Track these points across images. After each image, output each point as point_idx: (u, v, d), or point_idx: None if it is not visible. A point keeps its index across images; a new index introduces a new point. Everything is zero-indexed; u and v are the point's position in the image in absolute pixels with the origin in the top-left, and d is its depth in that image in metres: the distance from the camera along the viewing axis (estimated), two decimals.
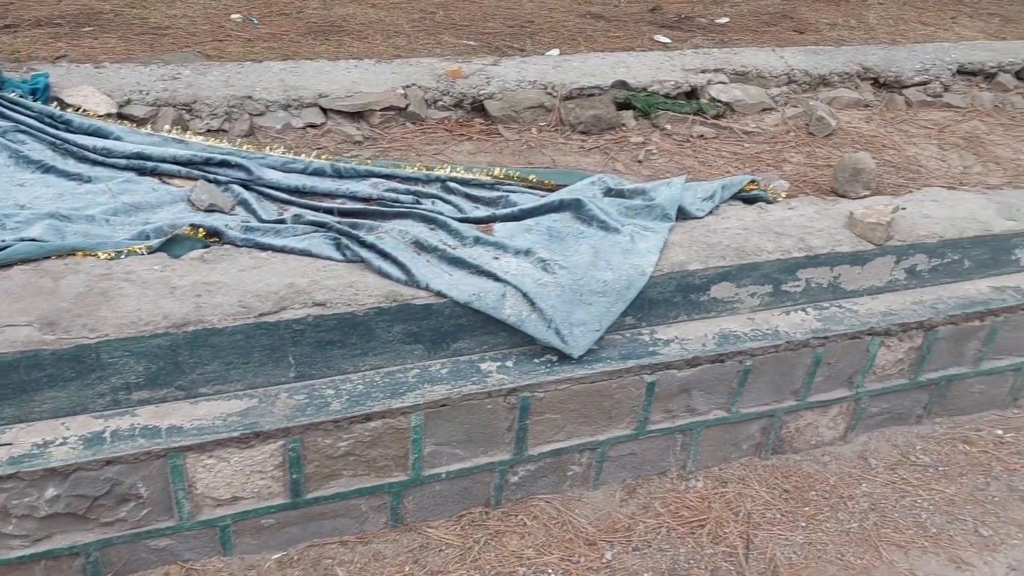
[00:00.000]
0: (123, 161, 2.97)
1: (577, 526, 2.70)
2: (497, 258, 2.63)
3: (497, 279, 2.52)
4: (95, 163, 2.96)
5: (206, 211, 2.80)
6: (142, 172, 2.97)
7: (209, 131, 3.34)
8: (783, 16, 6.27)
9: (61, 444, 2.15)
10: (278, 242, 2.59)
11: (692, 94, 3.99)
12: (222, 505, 2.36)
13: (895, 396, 3.12)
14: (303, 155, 3.19)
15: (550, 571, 2.53)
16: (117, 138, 3.10)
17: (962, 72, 4.46)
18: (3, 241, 2.38)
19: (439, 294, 2.45)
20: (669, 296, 2.73)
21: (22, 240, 2.40)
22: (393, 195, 2.99)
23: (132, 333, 2.18)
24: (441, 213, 2.86)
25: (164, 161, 2.98)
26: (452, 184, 3.12)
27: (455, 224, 2.76)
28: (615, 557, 2.62)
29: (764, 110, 3.98)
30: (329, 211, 2.84)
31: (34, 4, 4.84)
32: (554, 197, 2.96)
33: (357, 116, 3.53)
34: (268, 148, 3.22)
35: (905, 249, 2.94)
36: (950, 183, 3.49)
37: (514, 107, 3.71)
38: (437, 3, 5.69)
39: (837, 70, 4.18)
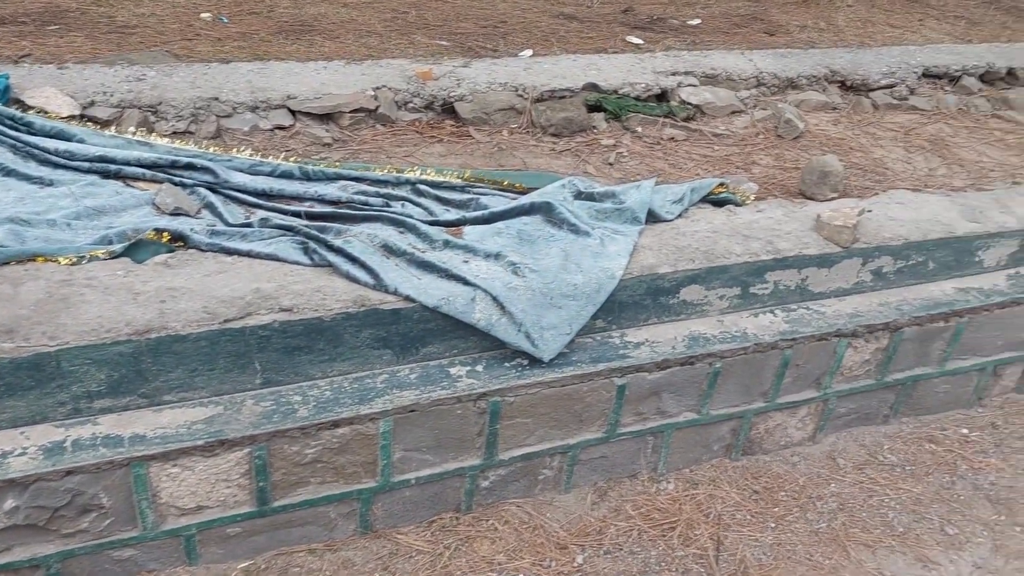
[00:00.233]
0: (86, 164, 2.91)
1: (548, 530, 2.70)
2: (467, 261, 2.61)
3: (467, 283, 2.51)
4: (57, 166, 2.91)
5: (171, 215, 2.75)
6: (106, 175, 2.91)
7: (175, 133, 3.29)
8: (754, 18, 6.31)
9: (20, 454, 2.10)
10: (244, 246, 2.55)
11: (663, 96, 4.00)
12: (187, 514, 2.32)
13: (862, 396, 3.15)
14: (271, 157, 3.15)
15: None
16: (80, 141, 3.04)
17: (927, 75, 4.51)
18: None
19: (408, 298, 2.43)
20: (639, 299, 2.74)
21: None
22: (362, 198, 2.97)
23: (93, 340, 2.14)
24: (411, 216, 2.84)
25: (128, 164, 2.92)
26: (422, 187, 3.11)
27: (424, 227, 2.74)
28: (586, 561, 2.62)
29: (734, 112, 4.00)
30: (297, 214, 2.81)
31: None
32: (524, 200, 2.95)
33: (326, 118, 3.49)
34: (235, 150, 3.18)
35: (871, 251, 2.97)
36: (915, 185, 3.52)
37: (485, 109, 3.69)
38: (409, 3, 5.66)
39: (805, 73, 4.22)
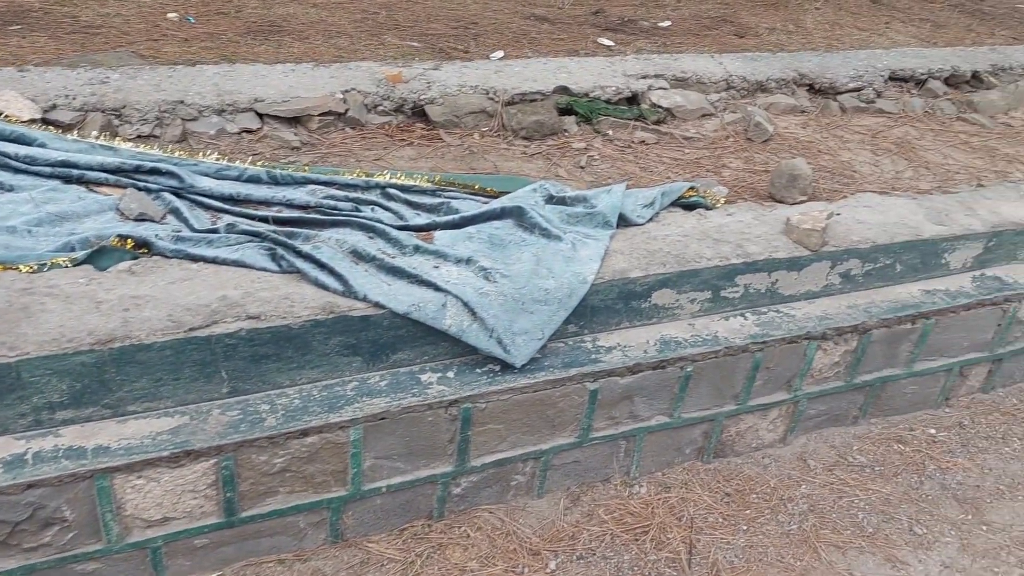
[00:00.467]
0: (48, 169, 2.85)
1: (521, 536, 2.68)
2: (437, 267, 2.59)
3: (437, 288, 2.49)
4: (17, 171, 2.84)
5: (136, 220, 2.70)
6: (68, 180, 2.85)
7: (139, 137, 3.24)
8: (723, 20, 6.36)
9: None
10: (210, 253, 2.51)
11: (633, 100, 4.01)
12: (153, 526, 2.28)
13: (832, 398, 3.18)
14: (238, 161, 3.11)
15: None
16: (41, 145, 2.97)
17: (894, 78, 4.57)
18: None
19: (377, 305, 2.40)
20: (611, 303, 2.74)
21: None
22: (332, 202, 2.93)
23: (55, 350, 2.09)
24: (380, 221, 2.82)
25: (91, 169, 2.87)
26: (392, 191, 3.08)
27: (394, 232, 2.72)
28: (559, 566, 2.61)
29: (704, 116, 4.01)
30: (265, 219, 2.78)
31: None
32: (496, 204, 2.93)
33: (294, 121, 3.45)
34: (201, 154, 3.13)
35: (840, 254, 3.00)
36: (883, 188, 3.56)
37: (456, 112, 3.67)
38: (380, 3, 5.63)
39: (774, 76, 4.25)
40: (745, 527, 2.84)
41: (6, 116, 3.09)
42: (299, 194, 2.97)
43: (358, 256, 2.57)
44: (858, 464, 3.17)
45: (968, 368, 3.43)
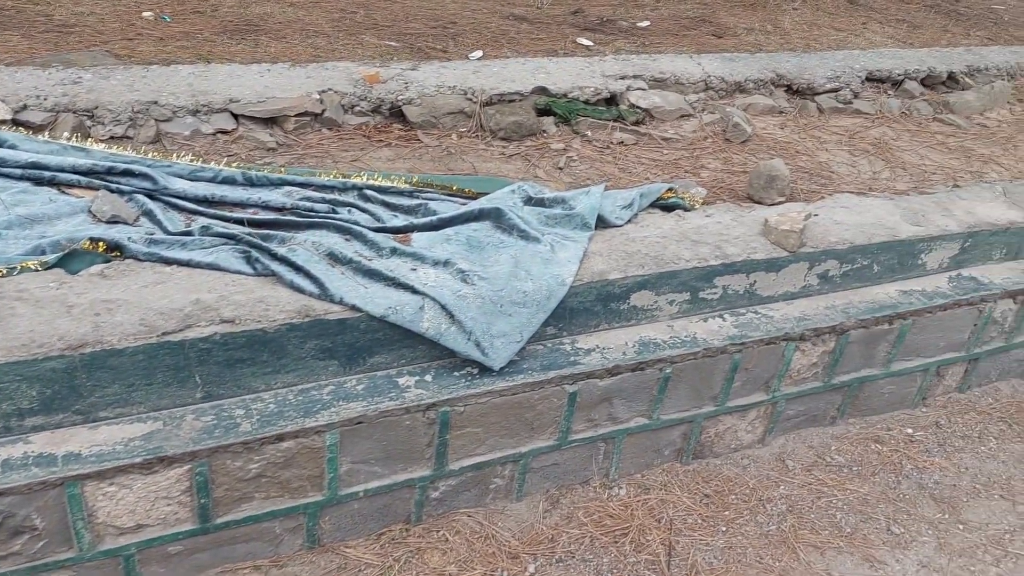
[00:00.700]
0: (18, 171, 2.80)
1: (500, 540, 2.67)
2: (415, 269, 2.58)
3: (415, 291, 2.47)
4: None
5: (108, 223, 2.66)
6: (39, 182, 2.81)
7: (112, 138, 3.19)
8: (702, 20, 6.37)
9: None
10: (184, 256, 2.48)
11: (612, 100, 4.00)
12: (125, 533, 2.24)
13: (810, 399, 3.19)
14: (213, 163, 3.07)
15: None
16: (12, 146, 2.92)
17: (871, 79, 4.60)
18: None
19: (354, 308, 2.38)
20: (590, 305, 2.73)
21: None
22: (308, 204, 2.90)
23: (24, 356, 2.05)
24: (357, 223, 2.79)
25: (63, 170, 2.82)
26: (369, 192, 3.06)
27: (371, 235, 2.70)
28: (538, 570, 2.60)
29: (682, 116, 4.02)
30: (240, 221, 2.74)
31: None
32: (474, 206, 2.92)
33: (270, 122, 3.42)
34: (175, 156, 3.08)
35: (818, 255, 3.01)
36: (860, 189, 3.58)
37: (434, 113, 3.65)
38: (358, 3, 5.59)
39: (752, 77, 4.26)
40: (724, 528, 2.84)
41: None
42: (275, 196, 2.94)
43: (334, 258, 2.55)
44: (836, 464, 3.18)
45: (945, 368, 3.45)
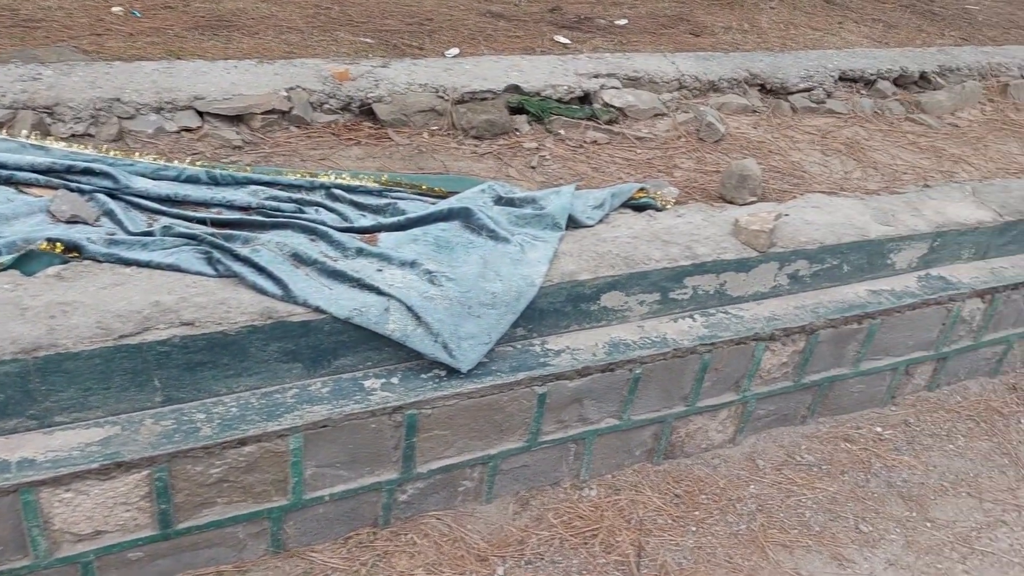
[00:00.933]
0: None
1: (469, 542, 2.65)
2: (381, 270, 2.54)
3: (380, 293, 2.44)
4: None
5: (67, 223, 2.60)
6: None
7: (73, 136, 3.12)
8: (679, 19, 6.36)
9: None
10: (144, 256, 2.43)
11: (585, 99, 3.98)
12: (83, 540, 2.20)
13: (781, 398, 3.19)
14: (176, 161, 3.01)
15: None
16: None
17: (844, 79, 4.60)
18: None
19: (318, 310, 2.35)
20: (560, 306, 2.71)
21: None
22: (274, 203, 2.86)
23: None
24: (323, 223, 2.75)
25: (20, 169, 2.75)
26: (337, 191, 3.01)
27: (337, 235, 2.66)
28: (507, 572, 2.58)
29: (656, 115, 4.00)
30: (203, 221, 2.70)
31: None
32: (443, 205, 2.89)
33: (236, 120, 3.36)
34: (138, 154, 3.02)
35: (788, 255, 3.00)
36: (831, 188, 3.58)
37: (404, 111, 3.61)
38: None
39: (726, 76, 4.25)
40: (694, 528, 2.83)
41: None
42: (240, 195, 2.89)
43: (299, 259, 2.51)
44: (806, 463, 3.19)
45: (914, 367, 3.47)
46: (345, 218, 2.86)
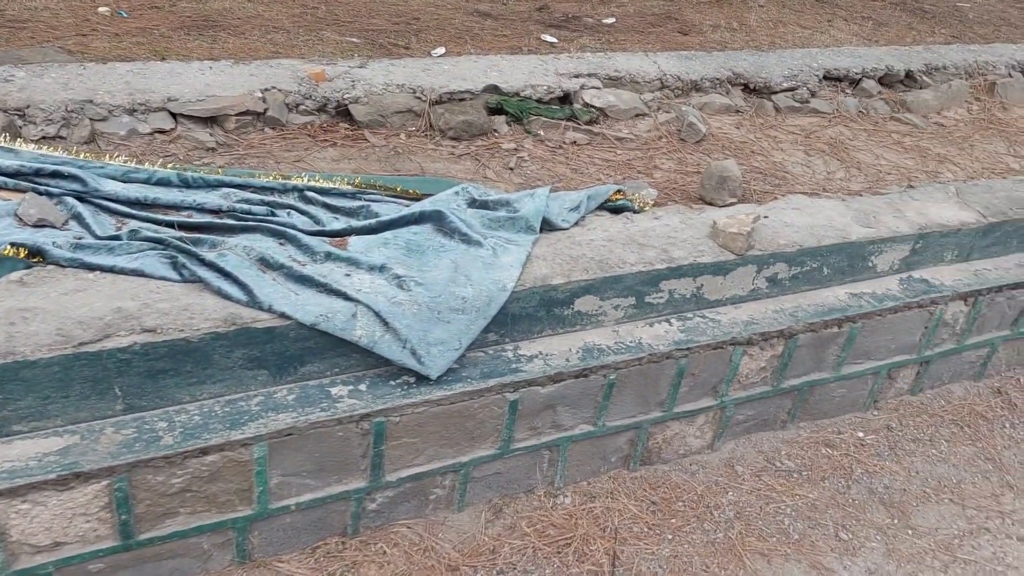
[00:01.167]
0: None
1: (440, 551, 2.61)
2: (349, 275, 2.50)
3: (348, 298, 2.40)
4: None
5: (35, 226, 2.56)
6: None
7: (44, 138, 3.08)
8: (668, 17, 6.32)
9: None
10: (108, 261, 2.39)
11: (566, 99, 3.94)
12: (42, 552, 2.16)
13: (760, 403, 3.15)
14: (147, 164, 2.97)
15: None
16: None
17: (828, 78, 4.56)
18: None
19: (283, 315, 2.30)
20: (532, 311, 2.67)
21: None
22: (245, 206, 2.82)
23: None
24: (294, 226, 2.71)
25: None
26: (310, 194, 2.98)
27: (306, 239, 2.62)
28: None
29: (637, 115, 3.96)
30: (171, 225, 2.65)
31: None
32: (415, 208, 2.85)
33: (210, 121, 3.32)
34: (108, 156, 2.99)
35: (766, 258, 2.96)
36: (814, 189, 3.55)
37: (381, 111, 3.57)
38: None
39: (709, 75, 4.21)
40: (670, 536, 2.80)
41: None
42: (211, 198, 2.85)
43: (266, 264, 2.47)
44: (786, 469, 3.15)
45: (896, 370, 3.43)
46: (317, 221, 2.82)
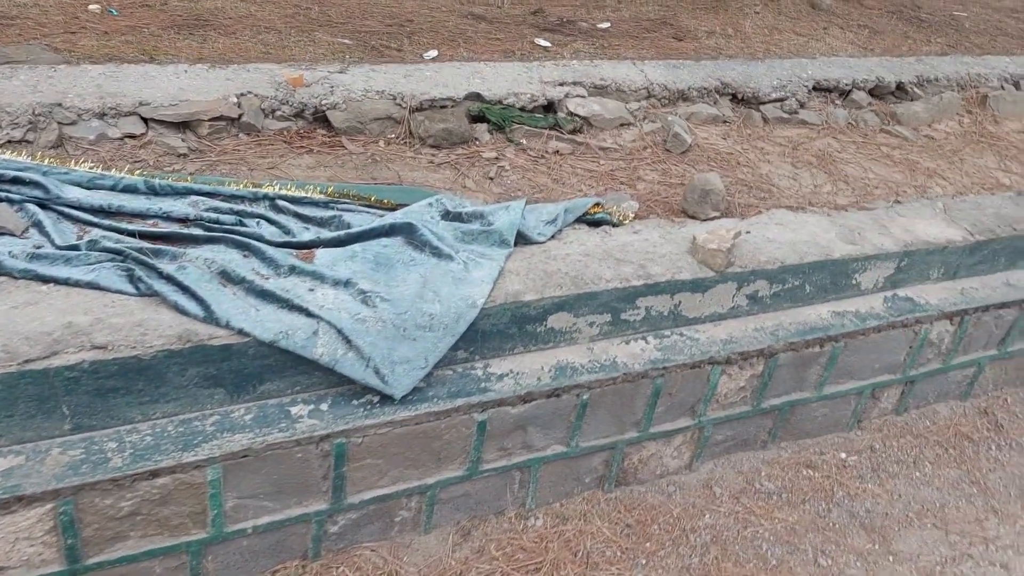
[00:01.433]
0: None
1: (404, 575, 2.53)
2: (313, 290, 2.43)
3: (309, 314, 2.33)
4: None
5: None
6: None
7: (10, 142, 3.00)
8: (663, 22, 6.24)
9: None
10: (63, 273, 2.31)
11: (550, 107, 3.86)
12: None
13: (739, 423, 3.08)
14: (114, 170, 2.90)
15: None
16: None
17: (818, 89, 4.48)
18: None
19: (241, 332, 2.23)
20: (504, 328, 2.59)
21: None
22: (213, 215, 2.74)
23: None
24: (261, 237, 2.64)
25: None
26: (282, 203, 2.90)
27: (271, 251, 2.54)
28: None
29: (622, 125, 3.88)
30: (133, 234, 2.58)
31: None
32: (387, 220, 2.77)
33: (183, 126, 3.24)
34: (74, 162, 2.91)
35: (747, 275, 2.89)
36: (800, 203, 3.47)
37: (360, 118, 3.49)
38: None
39: (697, 85, 4.13)
40: (644, 561, 2.72)
41: None
42: (178, 206, 2.77)
43: (227, 277, 2.39)
44: (765, 491, 3.07)
45: (880, 390, 3.35)
46: (287, 231, 2.75)
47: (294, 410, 2.33)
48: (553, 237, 2.90)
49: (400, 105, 3.59)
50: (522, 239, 2.83)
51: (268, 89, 3.45)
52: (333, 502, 2.42)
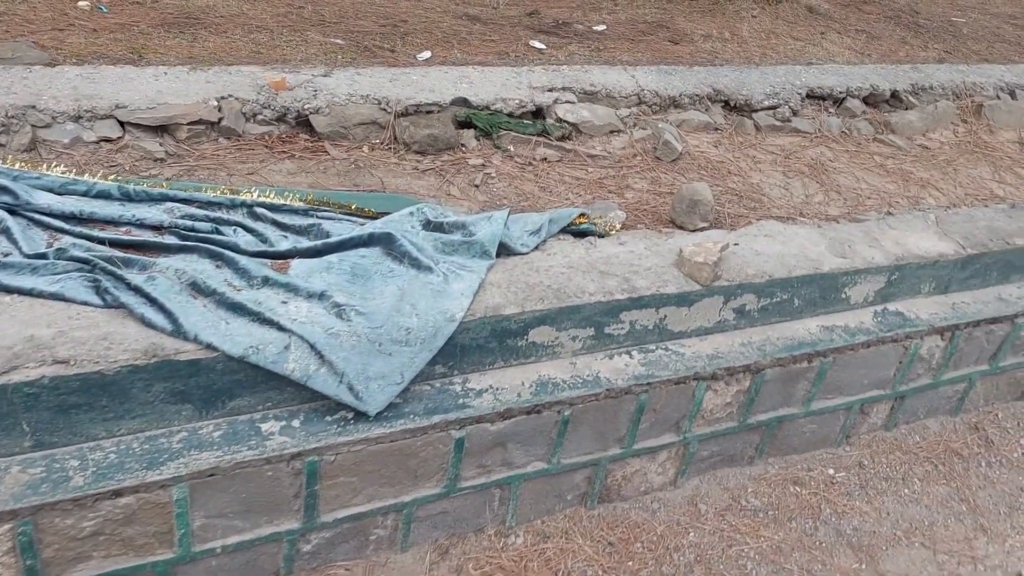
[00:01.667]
0: None
1: None
2: (286, 302, 2.36)
3: (281, 328, 2.26)
4: None
5: None
6: None
7: None
8: (659, 26, 6.18)
9: None
10: (28, 283, 2.24)
11: (539, 113, 3.80)
12: None
13: (725, 439, 3.01)
14: (87, 175, 2.83)
15: None
16: None
17: (812, 96, 4.42)
18: None
19: (210, 347, 2.16)
20: (483, 342, 2.53)
21: None
22: (189, 223, 2.68)
23: None
24: (236, 246, 2.57)
25: None
26: (260, 210, 2.84)
27: (244, 261, 2.47)
28: None
29: (612, 132, 3.82)
30: (103, 242, 2.51)
31: None
32: (366, 229, 2.70)
33: (160, 130, 3.17)
34: (47, 166, 2.84)
35: (734, 289, 2.82)
36: (790, 213, 3.41)
37: (343, 123, 3.43)
38: None
39: (688, 91, 4.07)
40: None
41: None
42: (153, 212, 2.71)
43: (197, 289, 2.33)
44: (751, 508, 3.01)
45: (869, 405, 3.29)
46: (264, 239, 2.68)
47: (265, 427, 2.26)
48: (537, 248, 2.83)
49: (385, 110, 3.53)
50: (505, 250, 2.77)
51: (250, 92, 3.39)
52: (305, 521, 2.36)
